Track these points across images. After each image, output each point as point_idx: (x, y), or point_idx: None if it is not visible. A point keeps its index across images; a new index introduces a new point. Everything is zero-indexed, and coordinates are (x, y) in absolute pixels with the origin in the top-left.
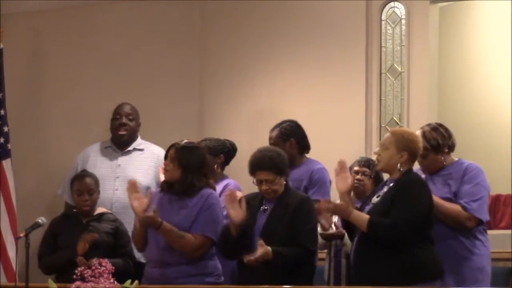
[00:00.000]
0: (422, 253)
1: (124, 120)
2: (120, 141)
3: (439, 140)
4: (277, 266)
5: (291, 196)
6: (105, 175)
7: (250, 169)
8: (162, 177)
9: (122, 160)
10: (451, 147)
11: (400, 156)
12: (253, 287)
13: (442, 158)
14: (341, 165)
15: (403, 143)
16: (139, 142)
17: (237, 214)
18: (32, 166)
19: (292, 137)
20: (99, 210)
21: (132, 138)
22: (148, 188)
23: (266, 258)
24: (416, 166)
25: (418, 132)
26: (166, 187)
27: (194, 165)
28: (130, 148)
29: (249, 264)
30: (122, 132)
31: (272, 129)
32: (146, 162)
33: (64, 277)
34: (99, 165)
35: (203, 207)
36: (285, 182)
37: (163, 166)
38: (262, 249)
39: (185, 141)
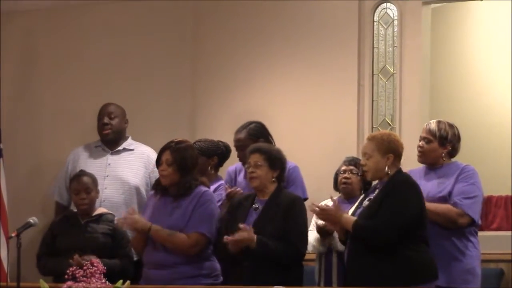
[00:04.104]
0: (416, 255)
1: (106, 120)
2: (107, 140)
3: (449, 135)
4: (260, 256)
5: (283, 196)
6: (95, 174)
7: (247, 153)
8: None
9: (112, 159)
10: (454, 150)
11: (387, 159)
12: (248, 287)
13: (442, 154)
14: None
15: (385, 146)
16: (129, 143)
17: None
18: (24, 166)
19: (261, 138)
20: (99, 210)
21: (118, 137)
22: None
23: (249, 243)
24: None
25: (434, 121)
26: (161, 190)
27: (191, 165)
28: (120, 148)
29: (228, 244)
30: (106, 132)
31: (238, 131)
32: (135, 162)
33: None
34: (89, 164)
35: (197, 205)
36: (274, 180)
37: None
38: (244, 233)
39: (175, 140)
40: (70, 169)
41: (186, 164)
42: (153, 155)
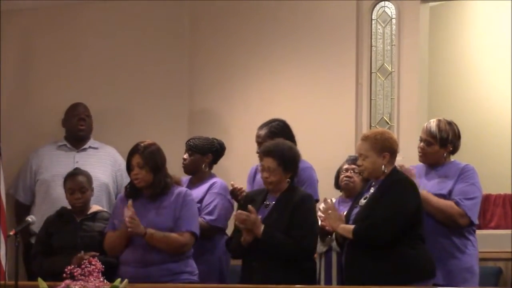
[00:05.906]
0: (414, 253)
1: (83, 116)
2: (78, 136)
3: (450, 135)
4: (265, 245)
5: (294, 194)
6: (63, 173)
7: (259, 153)
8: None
9: (79, 157)
10: (455, 149)
11: (383, 158)
12: (252, 286)
13: (444, 154)
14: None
15: (380, 145)
16: (93, 141)
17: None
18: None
19: (281, 136)
20: (94, 208)
21: (86, 136)
22: (107, 185)
23: (256, 231)
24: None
25: (434, 121)
26: (135, 192)
27: (162, 164)
28: (85, 146)
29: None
30: (82, 127)
31: (260, 127)
32: (103, 159)
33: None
34: (56, 163)
35: (183, 204)
36: (289, 180)
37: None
38: (254, 215)
39: (142, 144)
40: (34, 168)
41: (156, 163)
42: (118, 155)
